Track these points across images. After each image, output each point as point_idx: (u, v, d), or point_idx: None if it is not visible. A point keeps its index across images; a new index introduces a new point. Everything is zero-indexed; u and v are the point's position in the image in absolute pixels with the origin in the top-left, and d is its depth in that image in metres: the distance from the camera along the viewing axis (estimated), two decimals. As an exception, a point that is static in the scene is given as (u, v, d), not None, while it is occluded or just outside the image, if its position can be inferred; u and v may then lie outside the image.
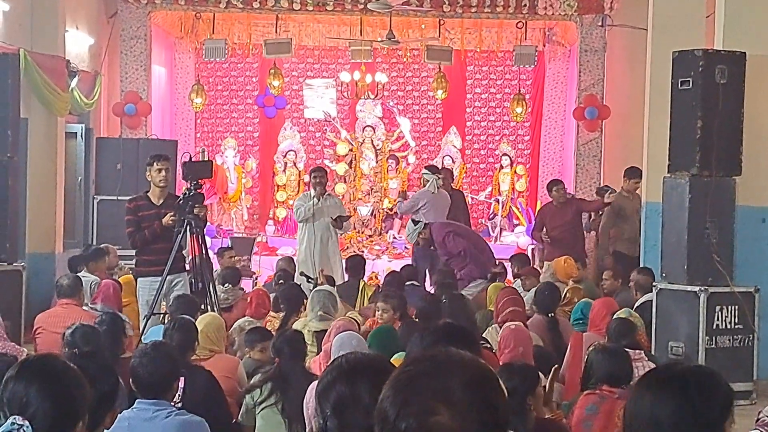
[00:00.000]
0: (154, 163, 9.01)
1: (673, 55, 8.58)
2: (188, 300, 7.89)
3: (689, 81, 8.35)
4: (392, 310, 7.61)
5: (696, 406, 2.37)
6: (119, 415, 4.72)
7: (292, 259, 12.04)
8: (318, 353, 6.95)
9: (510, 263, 12.11)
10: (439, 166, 15.23)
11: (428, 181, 13.11)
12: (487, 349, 6.16)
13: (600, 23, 15.13)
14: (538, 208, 16.81)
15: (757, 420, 4.25)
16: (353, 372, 2.35)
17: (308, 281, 10.31)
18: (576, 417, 5.39)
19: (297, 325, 7.61)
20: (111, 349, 6.48)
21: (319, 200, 12.03)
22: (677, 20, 10.81)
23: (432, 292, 10.02)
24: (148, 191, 9.12)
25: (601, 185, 14.45)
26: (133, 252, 9.31)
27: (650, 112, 11.12)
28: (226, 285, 9.24)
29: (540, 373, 6.30)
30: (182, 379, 4.92)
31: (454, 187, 14.32)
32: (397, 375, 1.92)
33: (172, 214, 8.75)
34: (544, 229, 12.85)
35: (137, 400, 4.80)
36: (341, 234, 12.42)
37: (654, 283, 8.72)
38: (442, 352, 1.95)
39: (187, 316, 6.73)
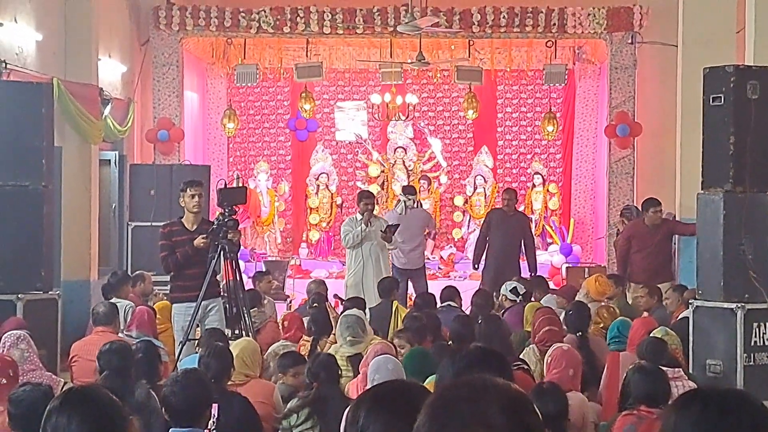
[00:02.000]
0: (188, 189, 9.06)
1: (703, 72, 8.53)
2: (218, 333, 7.92)
3: (721, 97, 8.28)
4: (408, 344, 7.54)
5: (716, 426, 2.33)
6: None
7: (323, 281, 12.05)
8: (353, 377, 6.95)
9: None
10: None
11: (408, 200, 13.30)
12: (524, 371, 6.14)
13: (630, 41, 15.08)
14: (572, 225, 16.79)
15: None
16: (382, 403, 2.34)
17: (342, 303, 10.32)
18: (613, 438, 5.36)
19: (331, 348, 7.61)
20: (147, 377, 6.51)
21: (367, 226, 12.02)
22: (707, 36, 10.79)
23: (467, 313, 9.98)
24: (182, 217, 9.18)
25: (628, 204, 14.21)
26: (167, 278, 9.35)
27: (682, 128, 11.11)
28: (251, 308, 9.25)
29: (581, 394, 6.32)
30: (216, 405, 4.93)
31: (517, 210, 13.97)
32: (433, 401, 1.92)
33: (204, 236, 8.79)
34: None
35: (171, 429, 4.80)
36: (390, 248, 12.35)
37: (690, 301, 8.64)
38: (478, 378, 1.95)
39: (221, 344, 6.76)
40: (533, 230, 14.64)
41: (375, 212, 13.24)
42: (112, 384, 5.81)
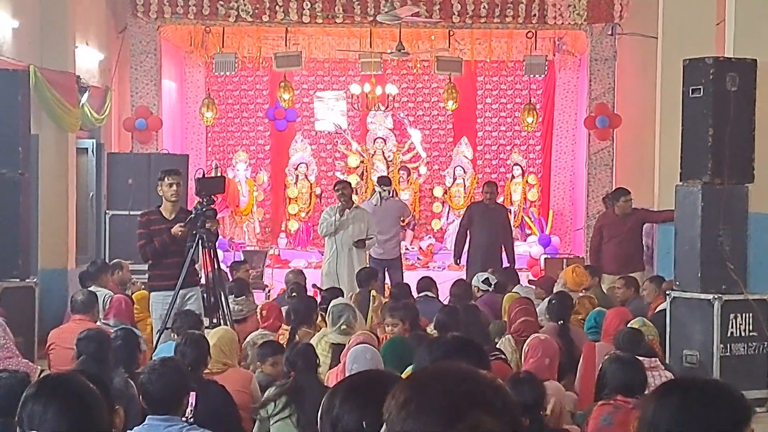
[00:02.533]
0: (165, 178, 9.02)
1: (683, 64, 8.55)
2: (191, 315, 7.90)
3: (700, 89, 8.31)
4: (401, 322, 7.57)
5: (695, 416, 2.33)
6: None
7: (302, 271, 12.04)
8: (332, 365, 6.93)
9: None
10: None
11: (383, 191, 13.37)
12: (502, 360, 6.14)
13: (610, 32, 15.10)
14: (550, 216, 16.82)
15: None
16: (360, 393, 2.32)
17: (321, 293, 10.30)
18: (591, 428, 5.38)
19: (315, 337, 7.59)
20: (126, 365, 6.49)
21: (342, 215, 12.03)
22: (687, 28, 10.80)
23: (445, 303, 9.99)
24: (160, 206, 9.13)
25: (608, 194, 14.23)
26: (145, 267, 9.31)
27: (662, 120, 11.12)
28: (237, 298, 9.23)
29: (558, 383, 6.33)
30: (193, 394, 4.91)
31: (497, 202, 14.02)
32: (429, 390, 1.87)
33: (181, 225, 8.76)
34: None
35: (148, 417, 4.79)
36: (367, 250, 12.43)
37: (668, 292, 8.68)
38: (456, 365, 1.93)
39: (197, 332, 6.74)
40: (512, 222, 14.64)
41: (355, 202, 13.26)
42: (88, 370, 5.78)
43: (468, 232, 13.50)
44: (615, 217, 12.11)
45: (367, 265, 12.11)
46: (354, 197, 16.32)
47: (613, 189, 13.10)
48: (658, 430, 2.34)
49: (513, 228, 14.37)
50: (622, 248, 11.83)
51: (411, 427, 1.83)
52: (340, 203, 12.15)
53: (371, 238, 12.21)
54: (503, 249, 13.41)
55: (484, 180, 17.64)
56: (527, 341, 6.75)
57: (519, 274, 12.17)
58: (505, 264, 13.08)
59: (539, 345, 6.36)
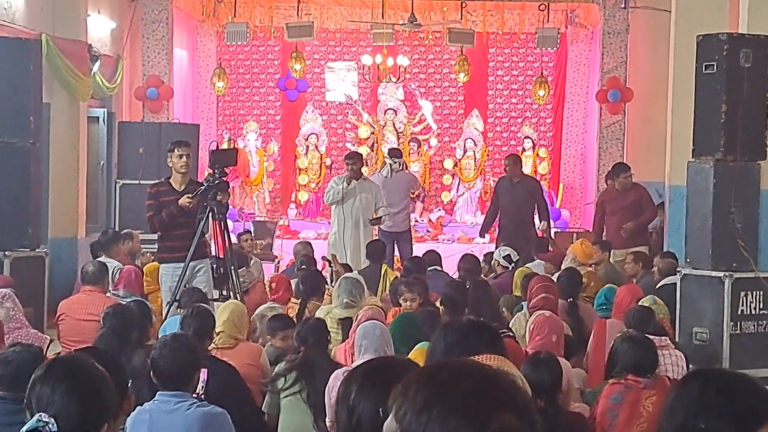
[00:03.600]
0: (175, 149, 9.01)
1: (697, 39, 8.49)
2: (197, 292, 7.94)
3: (713, 65, 8.26)
4: (418, 296, 7.59)
5: (713, 406, 2.32)
6: (140, 407, 4.73)
7: (309, 243, 12.05)
8: (342, 340, 6.94)
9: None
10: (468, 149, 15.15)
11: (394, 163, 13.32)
12: (510, 338, 6.14)
13: (623, 5, 15.01)
14: (560, 189, 16.78)
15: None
16: (375, 382, 2.32)
17: (330, 266, 10.31)
18: (601, 407, 5.38)
19: (320, 312, 7.60)
20: (138, 337, 6.51)
21: (349, 184, 12.02)
22: (701, 3, 10.72)
23: (455, 277, 9.99)
24: (169, 177, 9.13)
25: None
26: (155, 237, 9.32)
27: (674, 95, 11.06)
28: (239, 268, 9.23)
29: (566, 360, 6.32)
30: (205, 371, 4.92)
31: (525, 174, 13.91)
32: (451, 392, 1.86)
33: (189, 195, 8.76)
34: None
35: (158, 392, 4.79)
36: (382, 225, 12.47)
37: (678, 269, 8.66)
38: (472, 362, 1.93)
39: (203, 305, 6.77)
40: (543, 192, 14.28)
41: (365, 173, 13.25)
42: (108, 345, 5.83)
43: (497, 208, 13.44)
44: (616, 192, 12.22)
45: (376, 238, 12.11)
46: (364, 169, 16.40)
47: (614, 164, 13.08)
48: (675, 418, 2.34)
49: (544, 198, 13.90)
50: (623, 222, 11.87)
51: (433, 430, 1.81)
52: (348, 173, 12.14)
53: (385, 214, 12.19)
54: (534, 222, 13.30)
55: (494, 152, 17.70)
56: (531, 318, 6.74)
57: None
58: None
59: (545, 322, 6.35)
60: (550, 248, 11.66)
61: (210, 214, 8.67)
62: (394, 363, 2.46)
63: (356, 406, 2.29)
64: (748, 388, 2.37)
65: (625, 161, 14.26)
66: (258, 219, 16.06)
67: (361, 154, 13.24)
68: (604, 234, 12.15)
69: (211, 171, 8.88)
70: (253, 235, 13.38)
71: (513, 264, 10.12)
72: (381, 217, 12.14)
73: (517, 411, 1.82)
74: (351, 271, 9.58)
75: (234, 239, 12.38)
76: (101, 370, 2.81)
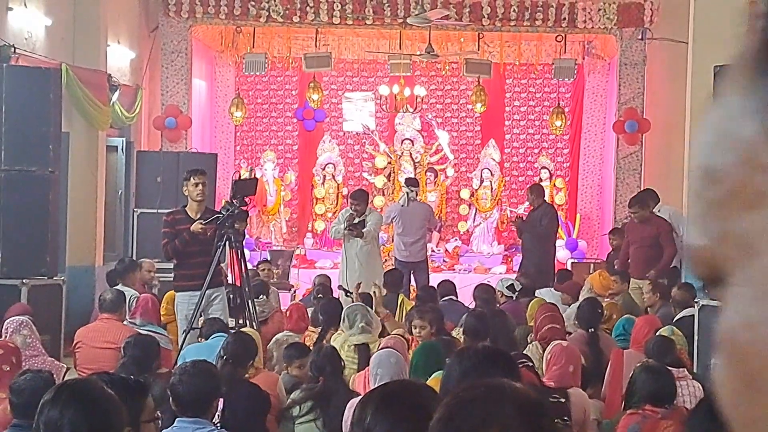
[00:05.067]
0: (191, 178, 9.05)
1: (714, 70, 8.49)
2: (218, 322, 7.96)
3: (731, 96, 8.25)
4: (429, 325, 7.58)
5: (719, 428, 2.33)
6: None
7: (328, 276, 12.04)
8: (359, 367, 6.94)
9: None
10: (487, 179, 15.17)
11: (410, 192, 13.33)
12: (528, 368, 6.12)
13: (640, 36, 15.05)
14: (578, 220, 16.77)
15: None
16: (390, 405, 2.34)
17: (347, 295, 10.31)
18: (617, 437, 5.35)
19: (337, 340, 7.60)
20: (144, 368, 6.52)
21: (350, 223, 11.92)
22: (718, 34, 10.67)
23: (472, 307, 9.98)
24: (185, 206, 9.16)
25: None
26: (172, 265, 9.35)
27: (691, 126, 11.04)
28: (258, 298, 9.25)
29: (582, 391, 6.31)
30: (221, 399, 4.92)
31: (543, 203, 14.04)
32: (449, 401, 1.91)
33: (202, 222, 8.78)
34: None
35: (177, 419, 4.79)
36: (366, 241, 12.27)
37: (696, 300, 8.62)
38: (493, 380, 1.95)
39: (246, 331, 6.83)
40: (556, 218, 14.19)
41: (381, 204, 13.24)
42: (128, 374, 5.85)
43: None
44: (634, 224, 12.28)
45: (389, 268, 12.10)
46: (380, 199, 16.43)
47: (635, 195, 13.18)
48: None
49: (554, 225, 13.95)
50: (641, 253, 11.85)
51: None
52: (351, 211, 12.08)
53: (365, 223, 12.00)
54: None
55: (511, 183, 17.73)
56: (549, 348, 6.73)
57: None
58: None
59: (562, 352, 6.33)
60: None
61: (227, 242, 8.70)
62: (410, 387, 2.47)
63: (371, 429, 2.29)
64: None
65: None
66: (275, 248, 16.09)
67: (368, 193, 13.05)
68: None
69: (229, 200, 8.90)
70: (268, 263, 13.40)
71: (516, 293, 10.17)
72: (360, 223, 11.98)
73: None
74: (371, 300, 9.57)
75: (251, 268, 12.43)
76: (109, 393, 2.81)
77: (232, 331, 7.24)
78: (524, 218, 13.81)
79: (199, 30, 15.53)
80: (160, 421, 3.86)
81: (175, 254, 8.96)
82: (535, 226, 13.46)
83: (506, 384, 1.94)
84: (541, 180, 17.03)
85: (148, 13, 14.96)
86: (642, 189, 14.72)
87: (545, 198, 14.49)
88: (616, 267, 12.31)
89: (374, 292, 9.38)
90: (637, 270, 11.57)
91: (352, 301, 9.54)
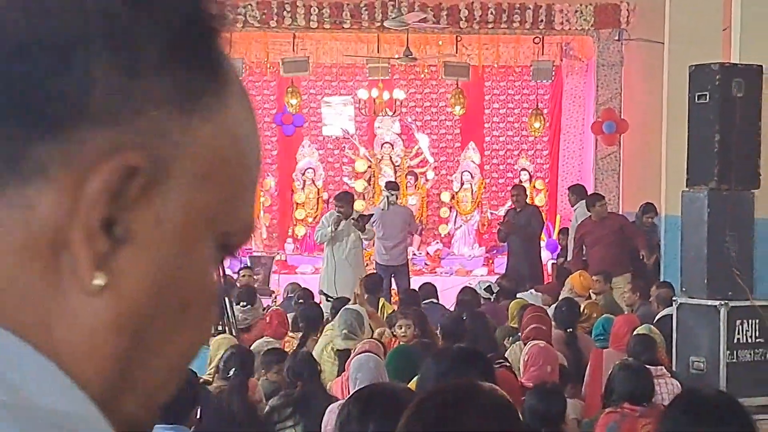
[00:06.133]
0: None
1: (689, 69, 8.54)
2: None
3: (706, 95, 8.31)
4: (413, 325, 7.59)
5: (691, 426, 2.35)
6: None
7: (298, 284, 12.04)
8: (339, 372, 6.94)
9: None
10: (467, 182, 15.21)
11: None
12: (507, 368, 6.13)
13: (617, 37, 15.10)
14: (557, 221, 16.81)
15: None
16: (367, 407, 2.35)
17: (327, 300, 10.30)
18: (596, 436, 5.37)
19: (320, 343, 7.61)
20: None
21: (338, 226, 11.94)
22: (694, 34, 10.79)
23: (452, 309, 10.00)
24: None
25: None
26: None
27: (668, 125, 11.11)
28: (244, 305, 9.22)
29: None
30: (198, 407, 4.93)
31: (527, 204, 14.25)
32: (417, 406, 1.92)
33: None
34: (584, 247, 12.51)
35: (155, 426, 4.78)
36: (365, 237, 12.31)
37: (674, 298, 8.67)
38: (463, 383, 1.95)
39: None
40: (542, 220, 14.42)
41: (361, 209, 13.23)
42: None
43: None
44: (593, 224, 12.31)
45: (370, 273, 12.10)
46: (361, 203, 16.43)
47: (590, 194, 13.28)
48: None
49: (538, 226, 14.05)
50: (609, 251, 11.92)
51: None
52: (337, 213, 12.08)
53: (370, 216, 12.07)
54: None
55: (491, 185, 17.76)
56: (526, 349, 6.75)
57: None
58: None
59: (540, 353, 6.36)
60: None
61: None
62: (391, 390, 2.48)
63: (352, 429, 2.30)
64: (732, 412, 2.39)
65: (621, 192, 14.38)
66: (255, 254, 16.06)
67: (352, 195, 13.07)
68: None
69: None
70: (251, 270, 13.37)
71: (493, 295, 10.21)
72: (366, 216, 11.97)
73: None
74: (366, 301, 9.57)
75: (231, 274, 12.38)
76: None
77: (214, 339, 7.20)
78: (508, 221, 13.81)
79: (176, 36, 15.46)
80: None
81: None
82: (525, 227, 13.49)
83: (476, 385, 1.95)
84: (521, 182, 17.06)
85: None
86: (620, 189, 14.81)
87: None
88: (566, 266, 12.42)
89: (355, 292, 9.38)
90: (608, 269, 11.58)
91: (332, 306, 9.53)
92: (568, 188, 14.42)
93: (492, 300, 10.19)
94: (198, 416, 4.92)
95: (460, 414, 1.87)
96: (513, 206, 13.99)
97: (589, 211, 12.42)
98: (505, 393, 3.75)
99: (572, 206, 13.87)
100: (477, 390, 1.93)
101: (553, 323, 8.54)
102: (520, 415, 4.39)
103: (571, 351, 8.00)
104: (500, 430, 1.87)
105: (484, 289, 10.37)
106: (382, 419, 2.26)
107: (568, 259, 13.18)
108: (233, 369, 6.10)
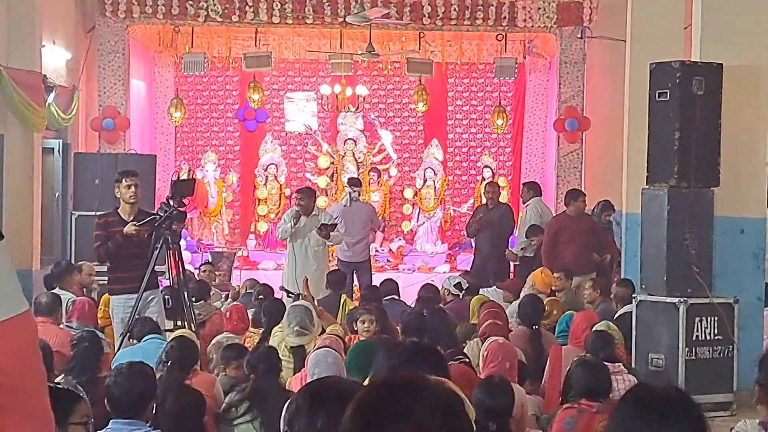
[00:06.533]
0: (123, 180, 8.91)
1: (650, 67, 8.56)
2: (149, 321, 7.88)
3: (666, 92, 8.32)
4: (376, 320, 7.57)
5: (641, 421, 2.33)
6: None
7: (256, 280, 11.93)
8: (295, 369, 6.90)
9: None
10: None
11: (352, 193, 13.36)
12: (465, 364, 6.12)
13: (579, 35, 15.15)
14: (520, 217, 16.82)
15: (730, 436, 4.21)
16: (316, 400, 2.32)
17: (288, 296, 10.24)
18: (554, 431, 5.36)
19: (274, 341, 7.55)
20: (91, 368, 6.44)
21: (297, 221, 11.76)
22: (655, 32, 10.82)
23: (413, 305, 9.98)
24: (117, 207, 9.02)
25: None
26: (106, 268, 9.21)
27: (629, 123, 11.13)
28: (197, 301, 9.15)
29: (520, 386, 6.32)
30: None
31: (499, 202, 14.27)
32: (361, 398, 1.89)
33: (135, 223, 8.65)
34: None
35: (111, 420, 4.75)
36: (331, 244, 12.22)
37: (634, 295, 8.69)
38: (408, 375, 1.92)
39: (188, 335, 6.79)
40: (514, 218, 14.36)
41: (324, 205, 13.15)
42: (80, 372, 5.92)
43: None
44: (569, 219, 12.26)
45: (332, 269, 12.03)
46: (324, 200, 16.37)
47: (570, 190, 13.23)
48: None
49: (510, 224, 14.04)
50: (582, 249, 11.93)
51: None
52: (296, 209, 11.94)
53: (335, 226, 11.92)
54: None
55: (454, 182, 17.77)
56: (485, 345, 6.74)
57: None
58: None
59: (498, 349, 6.36)
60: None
61: (164, 244, 8.59)
62: (341, 384, 2.45)
63: (302, 426, 2.27)
64: (677, 404, 2.38)
65: (583, 189, 14.36)
66: (217, 250, 15.97)
67: (313, 190, 12.88)
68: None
69: (167, 201, 8.78)
70: (212, 266, 13.30)
71: (463, 291, 10.18)
72: (332, 226, 11.88)
73: (414, 427, 1.81)
74: (312, 300, 9.51)
75: (194, 270, 12.31)
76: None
77: (173, 335, 7.14)
78: (481, 218, 13.76)
79: (136, 30, 15.37)
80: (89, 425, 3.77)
81: (108, 257, 8.82)
82: (498, 225, 13.49)
83: (422, 377, 1.92)
84: (483, 179, 17.07)
85: (84, 14, 14.77)
86: (582, 186, 14.83)
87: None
88: (544, 263, 12.36)
89: (302, 293, 9.30)
90: (575, 266, 11.59)
91: (293, 302, 9.48)
92: (523, 184, 14.41)
93: (460, 296, 10.15)
94: (154, 411, 4.87)
95: (404, 405, 1.83)
96: (486, 203, 13.94)
97: (567, 206, 12.39)
98: (462, 387, 3.73)
99: (524, 202, 13.89)
100: (422, 381, 1.89)
101: (517, 320, 8.56)
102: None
103: (533, 348, 8.01)
104: (445, 422, 1.84)
105: (454, 286, 10.32)
106: (332, 413, 2.23)
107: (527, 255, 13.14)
108: (169, 362, 6.04)
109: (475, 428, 1.97)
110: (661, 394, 2.44)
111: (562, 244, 12.09)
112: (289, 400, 2.50)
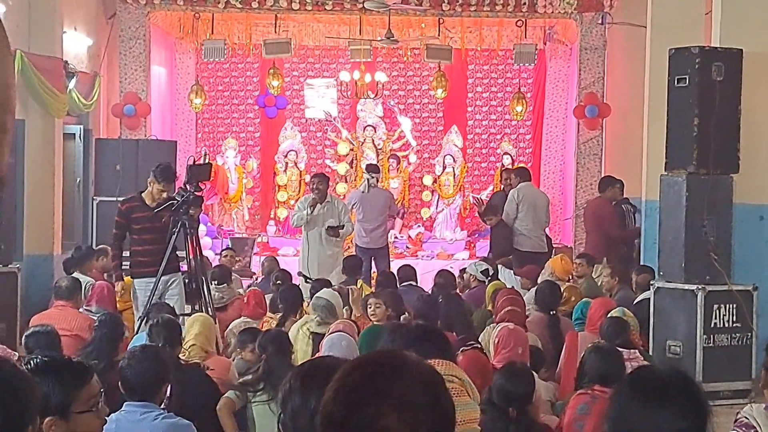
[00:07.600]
0: (161, 182, 8.88)
1: (669, 53, 8.53)
2: (165, 306, 7.93)
3: (686, 78, 8.30)
4: (384, 305, 7.57)
5: (648, 410, 2.34)
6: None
7: (275, 258, 11.95)
8: (312, 353, 6.93)
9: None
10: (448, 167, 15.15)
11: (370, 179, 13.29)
12: (478, 350, 6.13)
13: (600, 21, 15.07)
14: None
15: (736, 420, 4.20)
16: (308, 380, 2.34)
17: (306, 281, 10.26)
18: (567, 417, 5.38)
19: (297, 324, 7.59)
20: (108, 352, 6.49)
21: (313, 209, 11.83)
22: (676, 18, 10.77)
23: (429, 292, 9.98)
24: (142, 192, 9.06)
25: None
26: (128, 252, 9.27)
27: (649, 109, 11.08)
28: (220, 285, 9.19)
29: (534, 373, 6.32)
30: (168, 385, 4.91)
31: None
32: (342, 377, 1.90)
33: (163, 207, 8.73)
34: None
35: (125, 403, 4.79)
36: (341, 238, 12.23)
37: (651, 282, 8.67)
38: (387, 355, 1.93)
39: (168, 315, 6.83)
40: None
41: (343, 191, 13.14)
42: (98, 356, 6.10)
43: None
44: (610, 205, 12.45)
45: (353, 254, 12.05)
46: (343, 186, 16.40)
47: (606, 176, 13.29)
48: (608, 419, 2.36)
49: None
50: (607, 237, 11.98)
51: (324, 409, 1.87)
52: (313, 196, 11.96)
53: (343, 226, 11.92)
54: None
55: (474, 169, 17.74)
56: (496, 332, 6.74)
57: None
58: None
59: (510, 335, 6.36)
60: None
61: (182, 228, 8.63)
62: (334, 364, 2.47)
63: (296, 404, 2.29)
64: (679, 387, 2.38)
65: (603, 176, 14.34)
66: (237, 236, 16.02)
67: (327, 177, 12.91)
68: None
69: (183, 185, 8.82)
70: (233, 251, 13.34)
71: (489, 278, 10.13)
72: (339, 227, 11.89)
73: (395, 405, 1.83)
74: (329, 285, 9.51)
75: (214, 255, 12.36)
76: (22, 373, 2.74)
77: (207, 320, 7.18)
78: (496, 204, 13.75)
79: (157, 16, 15.41)
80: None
81: (114, 248, 9.07)
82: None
83: (402, 355, 1.93)
84: (503, 165, 17.03)
85: (105, 0, 14.82)
86: (602, 173, 14.79)
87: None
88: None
89: (352, 289, 9.32)
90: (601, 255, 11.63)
91: (312, 287, 9.50)
92: (513, 170, 14.19)
93: (486, 283, 10.11)
94: (168, 393, 4.90)
95: (385, 384, 1.84)
96: (503, 189, 13.89)
97: (603, 192, 12.45)
98: (474, 373, 3.75)
99: (513, 188, 13.73)
100: (402, 360, 1.90)
101: (534, 306, 8.56)
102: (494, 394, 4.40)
103: (551, 334, 8.01)
104: (427, 400, 1.85)
105: (481, 272, 10.28)
106: (315, 389, 2.24)
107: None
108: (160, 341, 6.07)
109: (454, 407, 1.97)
110: (662, 377, 2.45)
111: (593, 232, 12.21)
112: (289, 375, 2.52)
